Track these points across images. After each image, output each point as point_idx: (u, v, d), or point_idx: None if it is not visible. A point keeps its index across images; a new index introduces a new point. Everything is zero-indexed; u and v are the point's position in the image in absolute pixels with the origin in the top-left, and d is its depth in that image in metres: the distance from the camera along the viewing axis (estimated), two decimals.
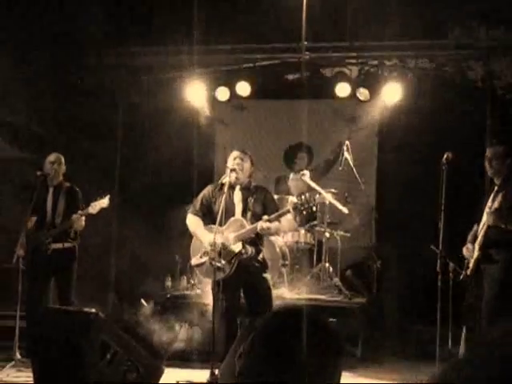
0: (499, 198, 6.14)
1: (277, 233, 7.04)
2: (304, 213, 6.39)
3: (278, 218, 6.39)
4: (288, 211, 6.39)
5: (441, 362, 6.30)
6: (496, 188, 6.41)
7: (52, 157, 7.59)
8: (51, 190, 7.57)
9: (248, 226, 6.43)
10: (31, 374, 5.76)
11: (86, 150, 9.88)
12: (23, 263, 7.33)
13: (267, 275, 6.66)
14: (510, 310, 6.20)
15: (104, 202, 7.33)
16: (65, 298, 7.30)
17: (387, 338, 8.20)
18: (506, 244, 6.18)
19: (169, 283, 8.66)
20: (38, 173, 7.49)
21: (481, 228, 6.35)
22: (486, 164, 6.47)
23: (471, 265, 6.33)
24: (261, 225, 6.31)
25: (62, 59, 9.59)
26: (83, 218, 7.33)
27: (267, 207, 6.57)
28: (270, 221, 6.33)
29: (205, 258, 6.48)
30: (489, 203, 6.38)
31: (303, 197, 6.37)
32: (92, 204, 7.28)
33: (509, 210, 6.12)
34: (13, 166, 9.97)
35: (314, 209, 6.92)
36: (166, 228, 8.92)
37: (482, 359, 1.52)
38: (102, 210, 7.38)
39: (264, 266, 6.63)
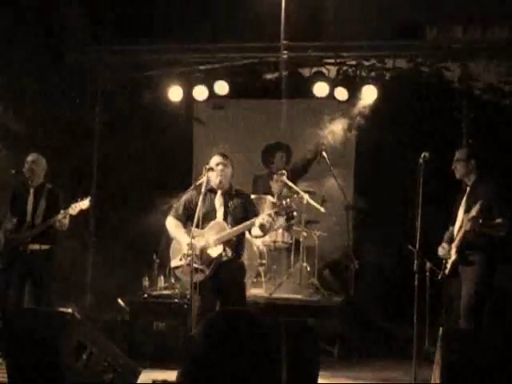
0: (477, 206, 6.24)
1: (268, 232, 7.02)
2: (284, 217, 6.40)
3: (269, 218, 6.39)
4: (270, 215, 6.35)
5: (418, 362, 6.33)
6: (468, 190, 6.52)
7: (30, 156, 7.53)
8: (32, 190, 7.50)
9: (229, 229, 6.41)
10: (5, 375, 5.70)
11: (64, 148, 9.82)
12: (0, 263, 7.28)
13: (244, 280, 6.67)
14: (486, 310, 6.31)
15: (84, 203, 7.28)
16: (40, 299, 7.23)
17: (364, 338, 8.22)
18: (482, 246, 6.30)
19: (146, 283, 8.61)
20: (13, 171, 7.44)
21: (457, 231, 6.46)
22: (453, 166, 6.60)
23: (448, 265, 6.43)
24: (262, 218, 6.30)
25: (42, 56, 9.51)
26: (67, 217, 7.26)
27: (248, 211, 6.58)
28: (269, 215, 6.33)
29: (184, 261, 6.45)
30: (462, 206, 6.50)
31: (284, 202, 6.40)
32: (72, 205, 7.24)
33: (485, 216, 6.23)
34: None
35: (295, 213, 6.94)
36: (143, 227, 8.88)
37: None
38: (82, 211, 7.33)
39: (243, 270, 6.64)
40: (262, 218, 6.33)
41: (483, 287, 6.31)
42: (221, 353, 1.96)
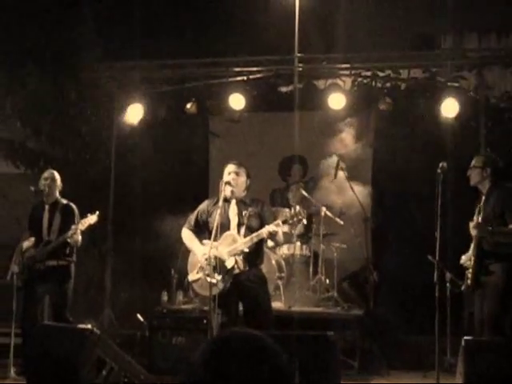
0: (482, 213, 6.26)
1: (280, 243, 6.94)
2: (294, 226, 6.35)
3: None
4: (277, 225, 6.30)
5: (440, 373, 6.27)
6: (483, 198, 6.49)
7: (46, 173, 7.57)
8: (47, 207, 7.52)
9: (240, 241, 6.37)
10: None
11: (80, 164, 9.87)
12: (18, 280, 7.29)
13: (266, 289, 6.61)
14: (503, 321, 6.23)
15: (92, 218, 7.28)
16: (59, 315, 7.22)
17: (385, 350, 8.15)
18: (501, 255, 6.23)
19: (165, 298, 8.60)
20: (32, 188, 7.47)
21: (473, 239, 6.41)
22: (468, 173, 6.57)
23: (470, 275, 6.34)
24: (267, 229, 6.23)
25: (57, 74, 9.59)
26: (78, 233, 7.27)
27: (264, 219, 6.51)
28: (277, 225, 6.26)
29: (201, 274, 6.43)
30: (478, 214, 6.44)
31: (293, 210, 6.34)
32: (81, 221, 7.25)
33: (498, 222, 6.21)
34: (8, 182, 9.96)
35: (305, 221, 6.86)
36: (160, 242, 8.88)
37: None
38: (91, 226, 7.34)
39: (261, 279, 6.56)
40: (269, 228, 6.25)
41: (505, 297, 6.22)
42: (221, 380, 1.90)
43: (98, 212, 7.33)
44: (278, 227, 6.28)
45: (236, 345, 1.94)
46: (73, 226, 7.24)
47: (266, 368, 1.89)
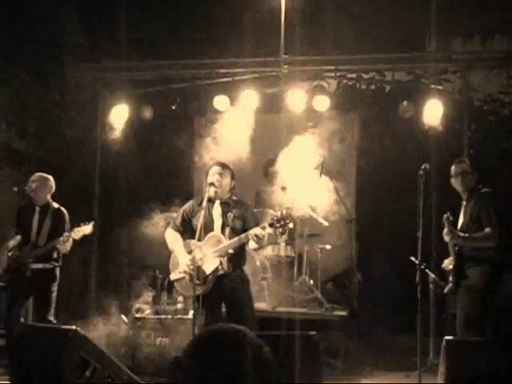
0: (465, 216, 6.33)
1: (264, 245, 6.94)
2: (280, 229, 6.33)
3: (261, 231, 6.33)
4: (264, 228, 6.31)
5: (423, 373, 6.31)
6: (464, 203, 6.55)
7: (34, 176, 7.53)
8: (38, 209, 7.49)
9: (226, 242, 6.37)
10: None
11: (65, 167, 9.84)
12: (3, 281, 7.27)
13: (248, 289, 6.61)
14: (484, 321, 6.28)
15: (87, 228, 7.26)
16: (43, 317, 7.20)
17: (368, 350, 8.19)
18: (477, 259, 6.30)
19: (149, 298, 8.60)
20: (15, 189, 7.45)
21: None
22: (453, 180, 6.62)
23: (451, 278, 6.41)
24: (254, 232, 6.22)
25: (41, 75, 9.56)
26: (70, 241, 7.25)
27: (248, 221, 6.52)
28: (263, 228, 6.25)
29: (183, 274, 6.44)
30: (460, 218, 6.53)
31: (279, 213, 6.31)
32: (75, 230, 7.20)
33: (477, 227, 6.30)
34: None
35: (291, 225, 6.87)
36: (145, 243, 8.87)
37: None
38: (85, 236, 7.32)
39: (243, 280, 6.56)
40: (255, 231, 6.25)
41: (484, 299, 6.27)
42: (208, 374, 1.93)
43: (92, 222, 7.32)
44: (264, 230, 6.28)
45: (220, 339, 1.98)
46: (65, 234, 7.20)
47: (249, 360, 1.93)
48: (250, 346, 1.99)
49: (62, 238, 7.18)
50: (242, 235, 6.34)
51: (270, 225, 6.30)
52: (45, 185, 7.52)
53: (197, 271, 6.26)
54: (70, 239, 7.23)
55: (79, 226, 7.22)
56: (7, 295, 7.33)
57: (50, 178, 7.58)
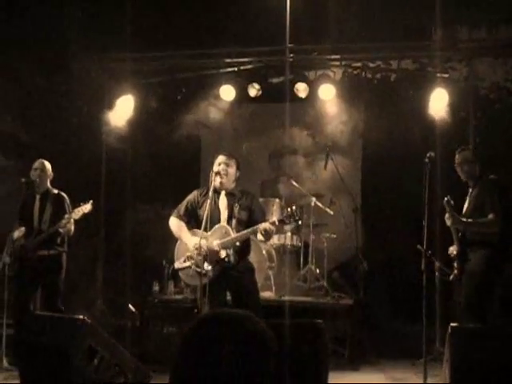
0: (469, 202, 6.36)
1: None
2: (290, 226, 6.33)
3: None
4: (274, 223, 6.27)
5: (429, 362, 6.33)
6: (470, 190, 6.59)
7: (36, 163, 7.56)
8: (38, 196, 7.52)
9: (233, 234, 6.37)
10: (18, 382, 5.73)
11: (72, 157, 9.86)
12: (10, 270, 7.31)
13: (254, 278, 6.61)
14: (485, 306, 6.30)
15: (86, 207, 7.27)
16: (51, 305, 7.24)
17: (375, 338, 8.22)
18: (479, 244, 6.35)
19: (156, 288, 8.64)
20: (23, 180, 7.47)
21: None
22: (458, 169, 6.64)
23: (455, 264, 6.44)
24: (264, 227, 6.19)
25: (47, 66, 9.58)
26: (71, 223, 7.29)
27: (254, 213, 6.50)
28: (273, 224, 6.23)
29: (188, 263, 6.43)
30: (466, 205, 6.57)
31: (289, 209, 6.28)
32: (75, 210, 7.23)
33: (480, 213, 6.32)
34: None
35: (300, 222, 6.87)
36: (153, 232, 8.91)
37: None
38: (85, 215, 7.33)
39: (249, 269, 6.56)
40: (264, 226, 6.22)
41: (485, 285, 6.30)
42: (209, 355, 1.95)
43: (91, 200, 7.34)
44: (273, 226, 6.27)
45: (223, 319, 2.00)
46: (66, 216, 7.24)
47: (252, 346, 1.95)
48: (253, 328, 2.01)
49: (63, 221, 7.20)
50: (250, 229, 6.32)
51: (280, 221, 6.31)
52: (45, 171, 7.56)
53: (206, 256, 6.21)
54: (72, 220, 7.26)
55: (79, 205, 7.24)
56: (15, 285, 7.35)
57: (48, 164, 7.62)
